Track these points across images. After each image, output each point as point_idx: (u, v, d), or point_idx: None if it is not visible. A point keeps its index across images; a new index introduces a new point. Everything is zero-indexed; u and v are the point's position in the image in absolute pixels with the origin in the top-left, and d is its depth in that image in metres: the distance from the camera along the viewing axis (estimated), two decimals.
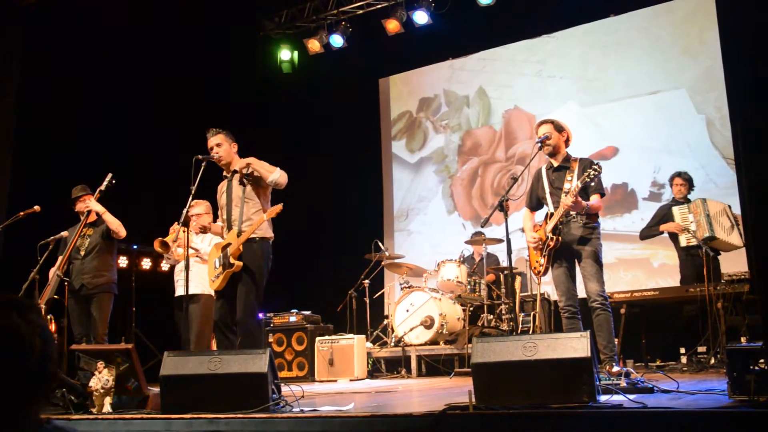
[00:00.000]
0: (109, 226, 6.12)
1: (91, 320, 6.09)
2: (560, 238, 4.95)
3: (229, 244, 4.86)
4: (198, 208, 6.11)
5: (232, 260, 4.76)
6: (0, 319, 1.44)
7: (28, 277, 5.94)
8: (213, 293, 5.58)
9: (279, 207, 4.87)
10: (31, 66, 7.82)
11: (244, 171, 4.96)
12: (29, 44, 7.79)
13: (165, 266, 6.28)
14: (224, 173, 5.19)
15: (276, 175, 4.92)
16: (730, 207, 6.75)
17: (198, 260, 6.06)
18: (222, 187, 5.18)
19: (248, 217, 4.91)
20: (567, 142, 5.16)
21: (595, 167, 4.83)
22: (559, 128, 5.11)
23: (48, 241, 6.21)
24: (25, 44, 7.72)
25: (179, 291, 6.10)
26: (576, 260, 5.00)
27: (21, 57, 7.62)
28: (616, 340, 6.56)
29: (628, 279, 8.40)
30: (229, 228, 4.98)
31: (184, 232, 5.72)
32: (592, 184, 4.90)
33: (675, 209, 6.87)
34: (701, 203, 6.68)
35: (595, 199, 4.96)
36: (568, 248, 4.97)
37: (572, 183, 4.93)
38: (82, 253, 6.22)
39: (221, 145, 5.05)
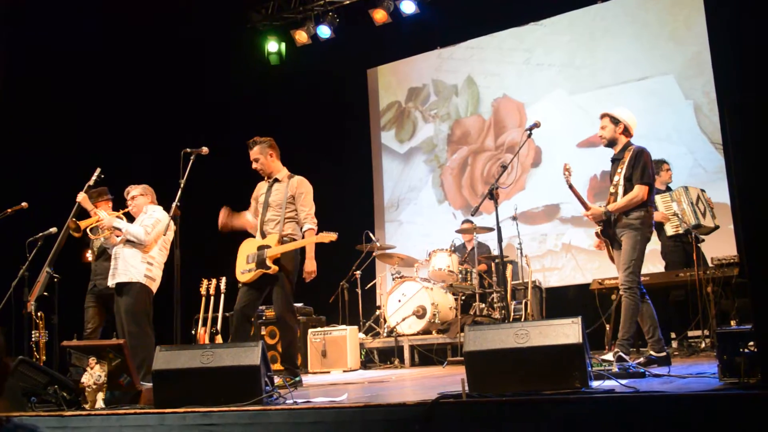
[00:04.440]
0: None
1: (103, 317, 6.12)
2: (601, 227, 5.14)
3: (267, 246, 5.32)
4: (135, 191, 5.95)
5: (269, 263, 5.27)
6: None
7: (16, 274, 5.91)
8: (144, 281, 5.60)
9: (333, 236, 5.40)
10: (19, 61, 7.77)
11: None
12: (19, 38, 7.73)
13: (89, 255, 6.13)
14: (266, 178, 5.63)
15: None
16: (704, 191, 6.81)
17: (130, 245, 5.67)
18: (261, 188, 5.64)
19: (285, 225, 5.41)
20: (626, 132, 5.17)
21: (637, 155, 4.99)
22: (615, 121, 5.15)
23: (36, 238, 6.18)
24: (15, 38, 7.66)
25: (110, 281, 5.70)
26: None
27: (8, 50, 7.56)
28: (607, 327, 6.64)
29: None
30: (261, 230, 5.44)
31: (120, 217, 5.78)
32: (636, 173, 4.97)
33: (657, 198, 6.82)
34: (683, 191, 6.71)
35: (635, 190, 4.96)
36: (615, 233, 5.08)
37: (621, 175, 5.04)
38: (95, 255, 6.21)
39: (258, 160, 5.52)
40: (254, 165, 5.55)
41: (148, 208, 5.88)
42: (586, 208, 5.17)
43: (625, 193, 5.00)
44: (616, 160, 5.19)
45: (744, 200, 2.80)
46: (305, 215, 5.44)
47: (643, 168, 4.97)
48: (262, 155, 5.52)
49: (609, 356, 4.70)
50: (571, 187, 5.16)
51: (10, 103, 7.69)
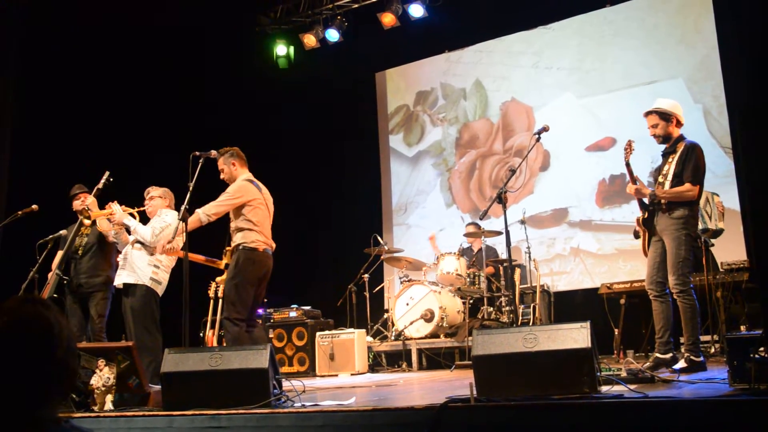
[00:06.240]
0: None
1: (89, 318, 6.08)
2: (646, 215, 4.99)
3: None
4: (155, 192, 5.98)
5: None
6: (29, 310, 1.45)
7: (27, 276, 5.93)
8: (150, 284, 5.64)
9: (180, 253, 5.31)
10: (28, 63, 7.80)
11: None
12: (27, 42, 7.76)
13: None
14: None
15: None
16: (714, 194, 6.77)
17: (139, 247, 5.71)
18: None
19: (234, 235, 5.36)
20: (678, 124, 5.06)
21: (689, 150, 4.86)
22: (665, 116, 5.02)
23: (47, 240, 6.20)
24: (24, 41, 7.69)
25: (117, 280, 5.77)
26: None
27: (18, 53, 7.59)
28: (616, 331, 6.60)
29: (627, 269, 8.40)
30: None
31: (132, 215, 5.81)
32: (687, 170, 4.84)
33: None
34: None
35: (684, 185, 4.84)
36: (658, 232, 4.95)
37: (671, 167, 4.91)
38: (80, 252, 6.20)
39: (223, 170, 5.46)
40: (221, 176, 5.49)
41: (162, 212, 5.92)
42: (634, 183, 5.02)
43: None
44: (666, 154, 5.03)
45: (755, 205, 2.79)
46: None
47: (695, 166, 4.84)
48: (226, 165, 5.45)
49: (681, 363, 4.62)
50: (627, 165, 5.03)
51: (21, 106, 7.72)
